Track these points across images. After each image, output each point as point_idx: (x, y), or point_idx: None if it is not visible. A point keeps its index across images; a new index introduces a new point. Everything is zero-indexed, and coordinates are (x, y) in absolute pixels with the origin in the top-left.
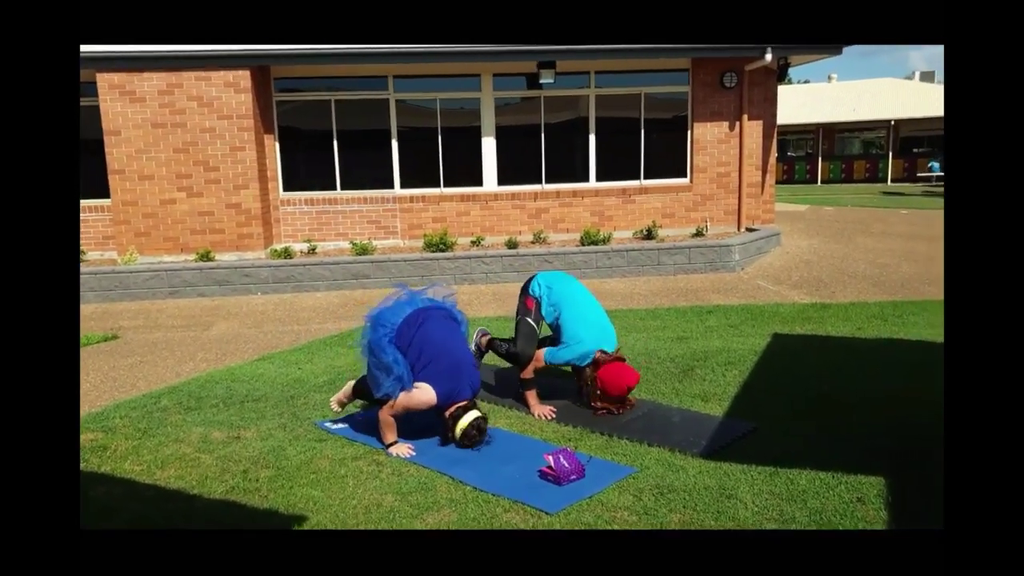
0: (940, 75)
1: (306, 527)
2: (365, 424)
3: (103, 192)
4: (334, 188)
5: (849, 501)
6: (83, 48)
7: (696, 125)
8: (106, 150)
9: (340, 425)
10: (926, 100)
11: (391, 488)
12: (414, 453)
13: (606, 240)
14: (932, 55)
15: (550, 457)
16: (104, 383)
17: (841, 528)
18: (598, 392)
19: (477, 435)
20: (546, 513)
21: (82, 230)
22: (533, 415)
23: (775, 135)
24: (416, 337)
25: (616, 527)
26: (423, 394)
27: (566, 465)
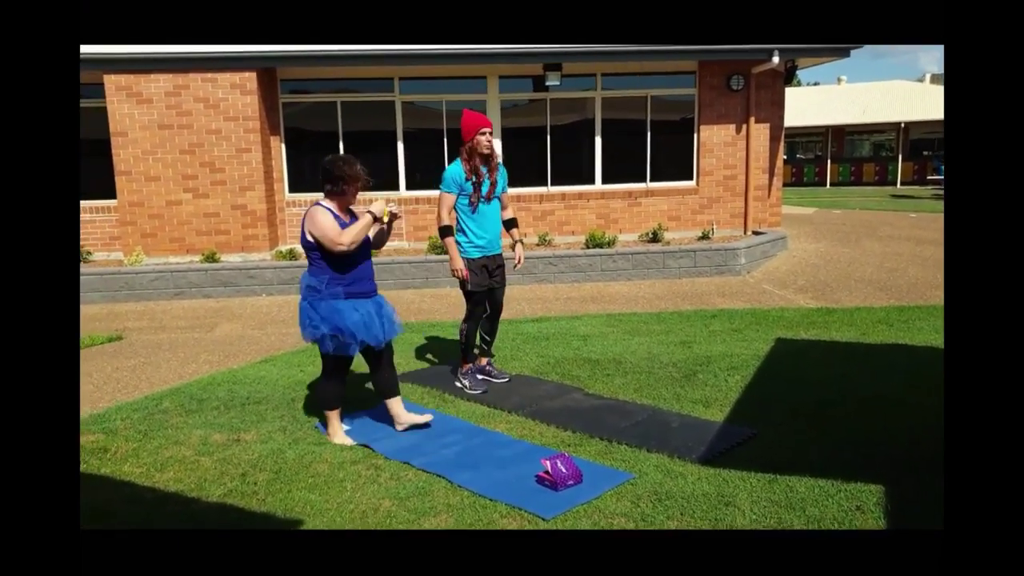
0: None
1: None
2: (364, 428)
3: (110, 193)
4: None
5: (848, 510)
6: (90, 49)
7: (702, 128)
8: (112, 151)
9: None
10: (936, 102)
11: (389, 493)
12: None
13: (611, 243)
14: (942, 57)
15: (547, 462)
16: (107, 384)
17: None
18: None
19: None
20: (542, 519)
21: (89, 231)
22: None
23: (782, 138)
24: None
25: (612, 529)
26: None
27: (563, 470)
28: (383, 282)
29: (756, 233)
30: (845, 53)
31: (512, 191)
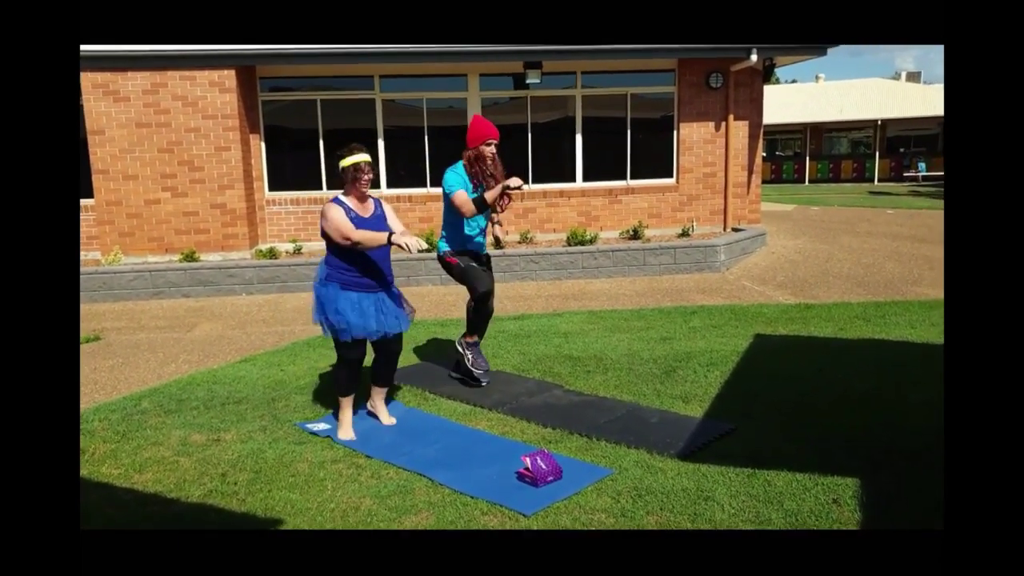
0: (926, 76)
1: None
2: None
3: (87, 192)
4: (320, 188)
5: (825, 503)
6: None
7: (682, 125)
8: (90, 150)
9: (320, 427)
10: (912, 100)
11: (369, 491)
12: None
13: (592, 240)
14: (918, 56)
15: (527, 459)
16: (84, 385)
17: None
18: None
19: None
20: (523, 515)
21: None
22: (510, 185)
23: (761, 135)
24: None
25: (593, 529)
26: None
27: (543, 467)
28: None
29: (735, 230)
30: (822, 51)
31: None
